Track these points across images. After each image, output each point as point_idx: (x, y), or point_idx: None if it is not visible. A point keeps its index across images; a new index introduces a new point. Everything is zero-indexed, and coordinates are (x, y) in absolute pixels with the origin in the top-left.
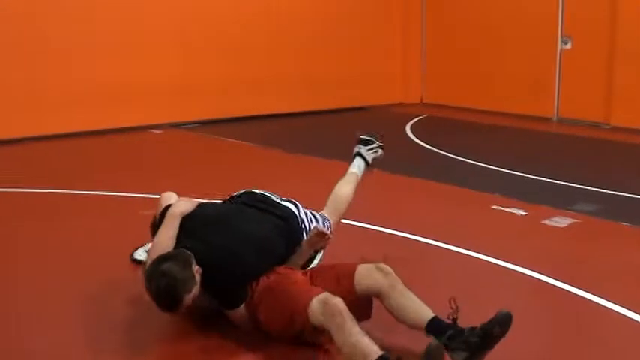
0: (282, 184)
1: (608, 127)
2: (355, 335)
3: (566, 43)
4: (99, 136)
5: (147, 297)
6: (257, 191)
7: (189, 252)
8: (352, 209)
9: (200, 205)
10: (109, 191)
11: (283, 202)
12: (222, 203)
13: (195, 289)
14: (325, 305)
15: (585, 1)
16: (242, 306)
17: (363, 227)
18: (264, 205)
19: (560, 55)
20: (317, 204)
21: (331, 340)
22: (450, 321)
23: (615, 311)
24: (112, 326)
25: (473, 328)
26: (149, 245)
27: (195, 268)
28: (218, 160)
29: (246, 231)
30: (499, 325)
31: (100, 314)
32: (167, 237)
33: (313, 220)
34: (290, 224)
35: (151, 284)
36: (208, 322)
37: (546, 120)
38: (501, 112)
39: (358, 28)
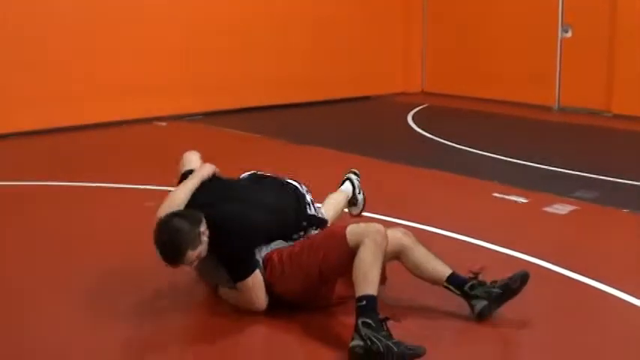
0: (286, 173)
1: (609, 114)
2: (374, 264)
3: (566, 32)
4: (102, 128)
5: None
6: (262, 172)
7: (200, 213)
8: None
9: (218, 175)
10: (113, 183)
11: (288, 180)
12: (232, 179)
13: (201, 249)
14: (366, 224)
15: None
16: (256, 275)
17: (365, 216)
18: (274, 179)
19: (560, 43)
20: (320, 193)
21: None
22: (471, 275)
23: (615, 296)
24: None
25: (494, 282)
26: None
27: (203, 229)
28: (222, 151)
29: (258, 198)
30: (520, 281)
31: (105, 304)
32: (183, 193)
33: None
34: (297, 197)
35: (158, 236)
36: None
37: (547, 108)
38: (502, 100)
39: (360, 19)
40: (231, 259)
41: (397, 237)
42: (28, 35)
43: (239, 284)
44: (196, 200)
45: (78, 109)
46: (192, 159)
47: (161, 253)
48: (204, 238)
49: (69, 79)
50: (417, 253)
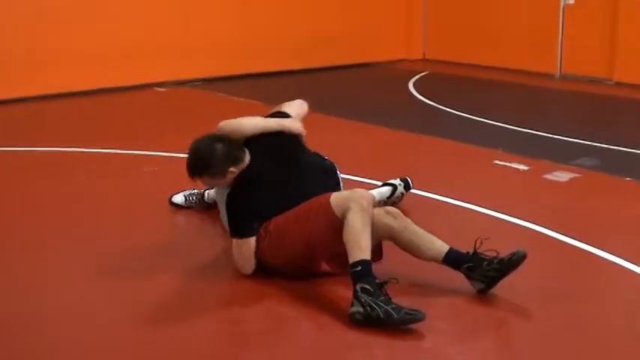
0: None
1: (611, 82)
2: (364, 229)
3: None
4: (102, 94)
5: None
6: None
7: (245, 155)
8: (356, 165)
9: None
10: (113, 149)
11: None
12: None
13: (220, 182)
14: (352, 191)
15: None
16: (248, 241)
17: (368, 182)
18: (326, 174)
19: (563, 10)
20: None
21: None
22: (470, 252)
23: (615, 263)
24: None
25: (490, 263)
26: (187, 192)
27: (233, 169)
28: (223, 117)
29: (300, 189)
30: (514, 267)
31: (115, 269)
32: (255, 126)
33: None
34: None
35: (196, 145)
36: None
37: (549, 76)
38: (504, 68)
39: None
40: (234, 211)
41: (386, 223)
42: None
43: (232, 239)
44: (259, 141)
45: (77, 74)
46: (296, 107)
47: (188, 156)
48: (230, 177)
49: (68, 44)
50: (410, 235)
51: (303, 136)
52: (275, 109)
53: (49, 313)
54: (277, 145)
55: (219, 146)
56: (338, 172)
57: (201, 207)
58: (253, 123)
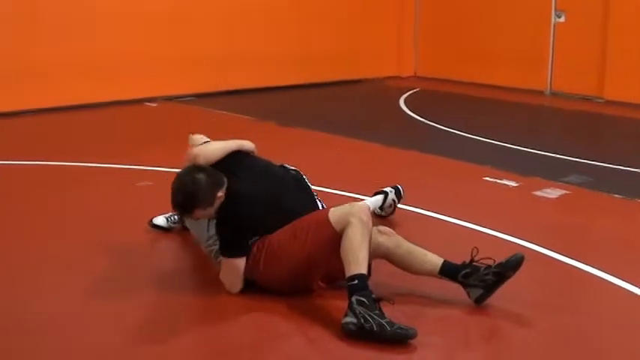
0: (276, 155)
1: (601, 100)
2: (363, 243)
3: (559, 17)
4: (94, 108)
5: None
6: (288, 166)
7: (224, 178)
8: (346, 181)
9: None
10: (104, 163)
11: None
12: (269, 162)
13: (210, 211)
14: (350, 205)
15: None
16: (238, 261)
17: (357, 197)
18: (298, 182)
19: (554, 28)
20: (308, 175)
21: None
22: (467, 262)
23: (603, 279)
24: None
25: (488, 267)
26: (169, 213)
27: (220, 194)
28: (214, 132)
29: (283, 194)
30: (512, 270)
31: (99, 282)
32: (221, 150)
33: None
34: (313, 204)
35: (178, 183)
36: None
37: (539, 93)
38: (495, 85)
39: (353, 1)
40: (225, 231)
41: (380, 242)
42: (19, 15)
43: (222, 258)
44: (224, 162)
45: (68, 89)
46: (202, 136)
47: (173, 199)
48: (218, 202)
49: (59, 59)
50: (404, 252)
51: (255, 152)
52: (200, 140)
53: (23, 329)
54: (242, 162)
55: (201, 176)
56: (305, 178)
57: (183, 225)
58: (214, 148)
